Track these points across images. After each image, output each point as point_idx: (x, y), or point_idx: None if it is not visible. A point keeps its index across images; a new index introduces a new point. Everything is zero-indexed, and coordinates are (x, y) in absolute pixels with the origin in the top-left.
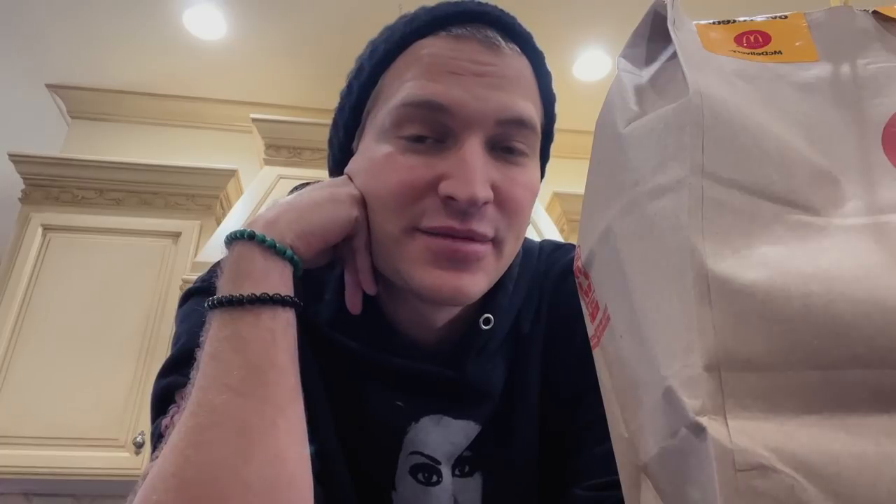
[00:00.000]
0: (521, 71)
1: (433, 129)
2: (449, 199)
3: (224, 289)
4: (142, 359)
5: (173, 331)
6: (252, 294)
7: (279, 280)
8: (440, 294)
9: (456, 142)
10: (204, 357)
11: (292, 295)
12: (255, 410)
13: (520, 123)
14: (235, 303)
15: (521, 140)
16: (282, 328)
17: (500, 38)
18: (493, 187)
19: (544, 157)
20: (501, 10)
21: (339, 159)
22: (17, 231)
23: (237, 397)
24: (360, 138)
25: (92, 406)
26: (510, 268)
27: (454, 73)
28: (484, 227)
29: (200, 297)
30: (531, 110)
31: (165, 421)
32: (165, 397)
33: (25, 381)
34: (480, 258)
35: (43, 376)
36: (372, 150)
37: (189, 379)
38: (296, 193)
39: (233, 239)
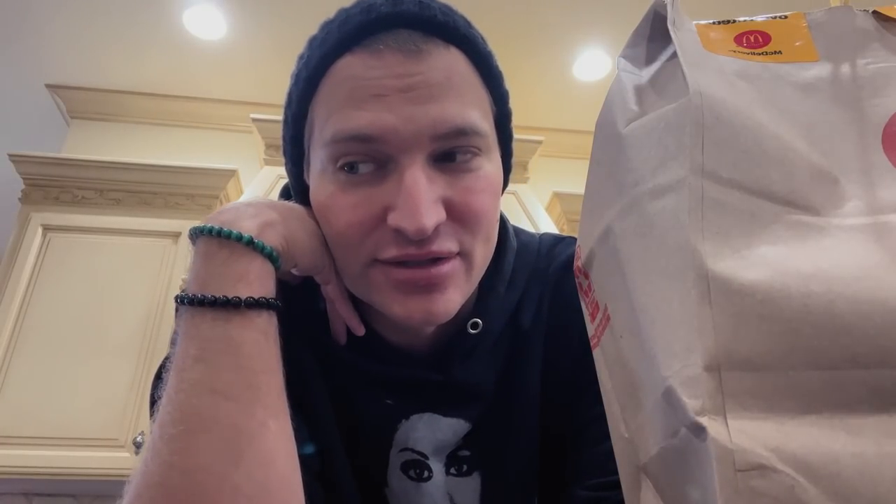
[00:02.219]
0: (451, 69)
1: (371, 158)
2: (399, 231)
3: (210, 287)
4: (142, 359)
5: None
6: (250, 297)
7: (270, 284)
8: (412, 321)
9: (396, 166)
10: (185, 359)
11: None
12: (245, 413)
13: (459, 133)
14: (232, 305)
15: (468, 145)
16: (272, 331)
17: (420, 40)
18: (446, 202)
19: (506, 138)
20: (418, 2)
21: (297, 189)
22: (17, 231)
23: (226, 401)
24: (308, 170)
25: (92, 406)
26: (501, 269)
27: (378, 96)
28: (445, 245)
29: None
30: (470, 114)
31: None
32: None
33: (25, 381)
34: (447, 274)
35: (43, 376)
36: (317, 189)
37: None
38: (287, 208)
39: (218, 234)
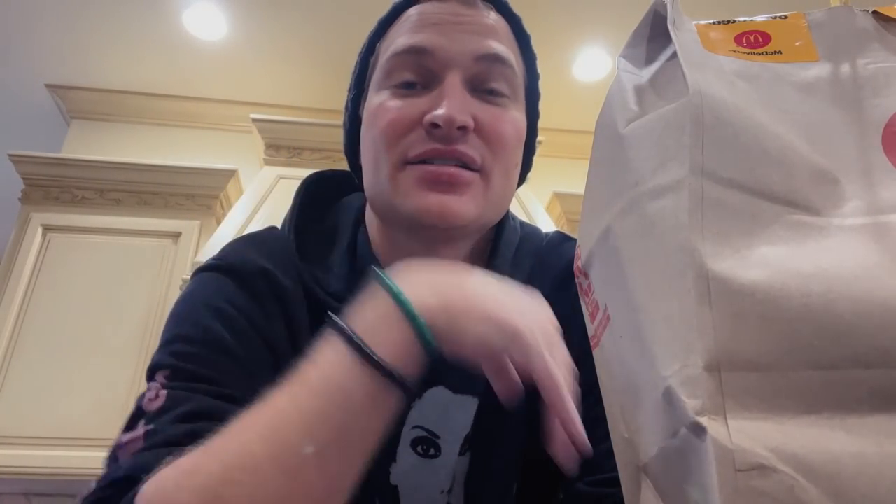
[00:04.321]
0: (498, 22)
1: (419, 74)
2: (432, 127)
3: (376, 340)
4: (142, 359)
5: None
6: (411, 378)
7: (420, 370)
8: (429, 214)
9: (440, 82)
10: (307, 388)
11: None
12: (328, 474)
13: (496, 59)
14: (389, 374)
15: (501, 79)
16: (394, 413)
17: (478, 2)
18: (476, 119)
19: (532, 115)
20: None
21: (349, 130)
22: (17, 231)
23: (315, 457)
24: (364, 105)
25: (92, 406)
26: (506, 239)
27: (435, 24)
28: (470, 151)
29: (213, 273)
30: (507, 51)
31: (144, 401)
32: (151, 373)
33: (25, 381)
34: (467, 182)
35: (43, 376)
36: (370, 104)
37: (175, 362)
38: (492, 299)
39: (408, 307)
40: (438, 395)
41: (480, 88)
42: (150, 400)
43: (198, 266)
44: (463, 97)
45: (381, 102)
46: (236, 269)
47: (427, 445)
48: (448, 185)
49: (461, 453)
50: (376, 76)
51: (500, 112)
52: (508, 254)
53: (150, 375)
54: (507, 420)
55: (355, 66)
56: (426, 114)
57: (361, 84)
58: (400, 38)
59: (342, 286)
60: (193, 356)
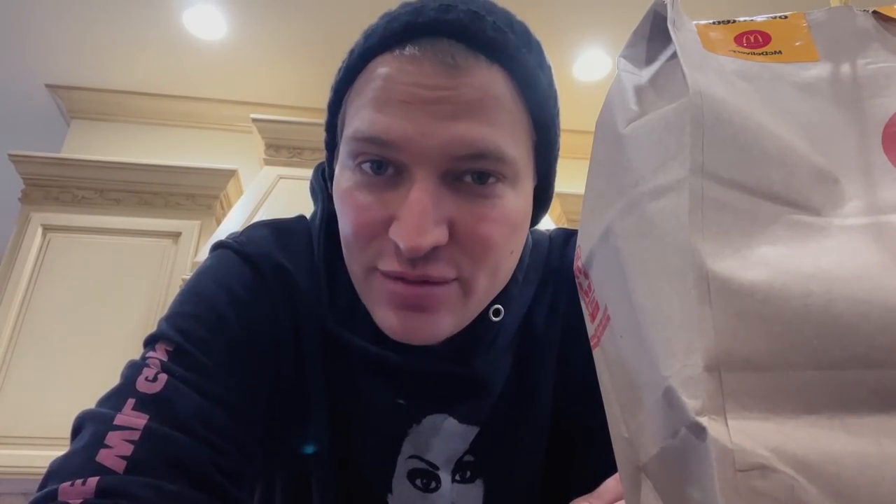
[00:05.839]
0: (487, 90)
1: (387, 160)
2: (397, 245)
3: None
4: None
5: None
6: None
7: None
8: (400, 337)
9: (410, 176)
10: None
11: None
12: None
13: (478, 157)
14: None
15: (486, 169)
16: None
17: (462, 54)
18: (452, 225)
19: (544, 167)
20: (471, 13)
21: (330, 174)
22: (17, 231)
23: None
24: (336, 159)
25: (91, 406)
26: (522, 260)
27: (403, 102)
28: (441, 271)
29: (235, 257)
30: (496, 137)
31: (140, 379)
32: (153, 341)
33: (25, 381)
34: (440, 299)
35: (43, 376)
36: (338, 180)
37: (182, 341)
38: None
39: None
40: (441, 424)
41: (464, 177)
42: (147, 380)
43: (219, 241)
44: (431, 208)
45: (348, 189)
46: (254, 260)
47: (427, 479)
48: (419, 307)
49: (462, 480)
50: (343, 146)
51: (487, 207)
52: (521, 275)
53: (152, 343)
54: (523, 446)
55: (326, 109)
56: (393, 218)
57: (333, 134)
58: (362, 112)
59: (341, 308)
60: (201, 341)
